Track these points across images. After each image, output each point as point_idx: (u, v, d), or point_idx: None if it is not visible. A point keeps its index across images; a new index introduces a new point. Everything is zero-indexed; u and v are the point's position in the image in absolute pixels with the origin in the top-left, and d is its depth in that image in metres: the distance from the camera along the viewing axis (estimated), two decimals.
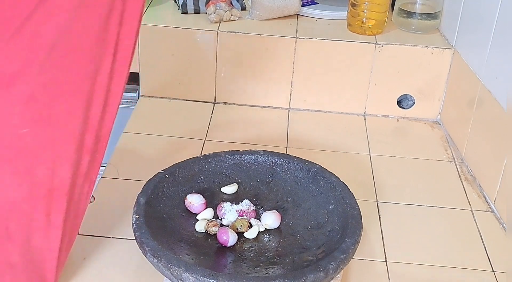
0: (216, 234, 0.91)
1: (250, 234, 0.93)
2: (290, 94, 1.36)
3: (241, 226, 0.93)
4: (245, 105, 1.36)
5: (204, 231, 0.93)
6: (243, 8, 1.42)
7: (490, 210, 1.08)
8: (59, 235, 0.79)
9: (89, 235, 0.95)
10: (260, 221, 0.95)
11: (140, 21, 0.80)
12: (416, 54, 1.31)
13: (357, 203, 0.93)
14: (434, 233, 1.02)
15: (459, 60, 1.26)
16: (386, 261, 0.95)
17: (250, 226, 0.94)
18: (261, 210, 0.98)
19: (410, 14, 1.36)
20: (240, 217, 0.94)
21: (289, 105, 1.37)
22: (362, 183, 1.13)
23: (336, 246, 0.85)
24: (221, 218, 0.95)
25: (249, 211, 0.96)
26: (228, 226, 0.93)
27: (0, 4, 0.72)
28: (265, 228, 0.94)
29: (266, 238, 0.93)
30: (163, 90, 1.36)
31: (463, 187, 1.14)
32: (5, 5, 0.72)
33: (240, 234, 0.92)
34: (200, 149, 1.19)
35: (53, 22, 0.74)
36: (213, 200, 0.98)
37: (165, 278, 0.83)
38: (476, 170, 1.17)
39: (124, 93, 1.34)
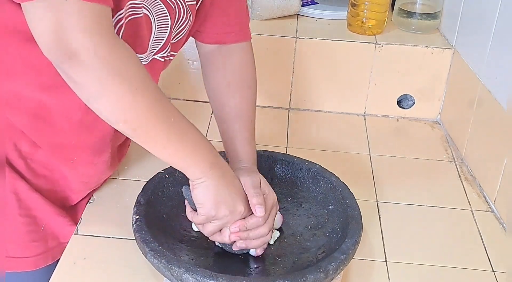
0: None
1: None
2: (290, 94, 1.36)
3: None
4: None
5: None
6: None
7: (490, 210, 1.08)
8: None
9: (89, 235, 0.95)
10: None
11: None
12: (416, 54, 1.31)
13: (357, 203, 0.92)
14: (434, 233, 1.02)
15: (459, 60, 1.26)
16: (386, 261, 0.95)
17: None
18: None
19: (410, 14, 1.36)
20: None
21: (289, 105, 1.37)
22: (362, 183, 1.12)
23: (336, 246, 0.85)
24: None
25: None
26: None
27: None
28: None
29: None
30: (163, 90, 1.35)
31: (463, 187, 1.14)
32: None
33: None
34: None
35: None
36: None
37: (165, 278, 0.83)
38: (476, 170, 1.16)
39: None
